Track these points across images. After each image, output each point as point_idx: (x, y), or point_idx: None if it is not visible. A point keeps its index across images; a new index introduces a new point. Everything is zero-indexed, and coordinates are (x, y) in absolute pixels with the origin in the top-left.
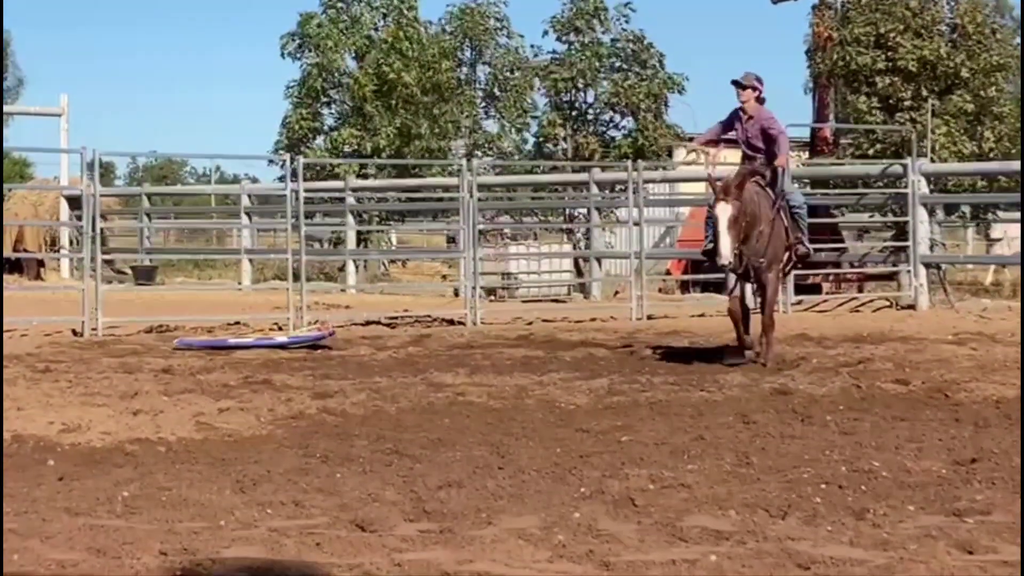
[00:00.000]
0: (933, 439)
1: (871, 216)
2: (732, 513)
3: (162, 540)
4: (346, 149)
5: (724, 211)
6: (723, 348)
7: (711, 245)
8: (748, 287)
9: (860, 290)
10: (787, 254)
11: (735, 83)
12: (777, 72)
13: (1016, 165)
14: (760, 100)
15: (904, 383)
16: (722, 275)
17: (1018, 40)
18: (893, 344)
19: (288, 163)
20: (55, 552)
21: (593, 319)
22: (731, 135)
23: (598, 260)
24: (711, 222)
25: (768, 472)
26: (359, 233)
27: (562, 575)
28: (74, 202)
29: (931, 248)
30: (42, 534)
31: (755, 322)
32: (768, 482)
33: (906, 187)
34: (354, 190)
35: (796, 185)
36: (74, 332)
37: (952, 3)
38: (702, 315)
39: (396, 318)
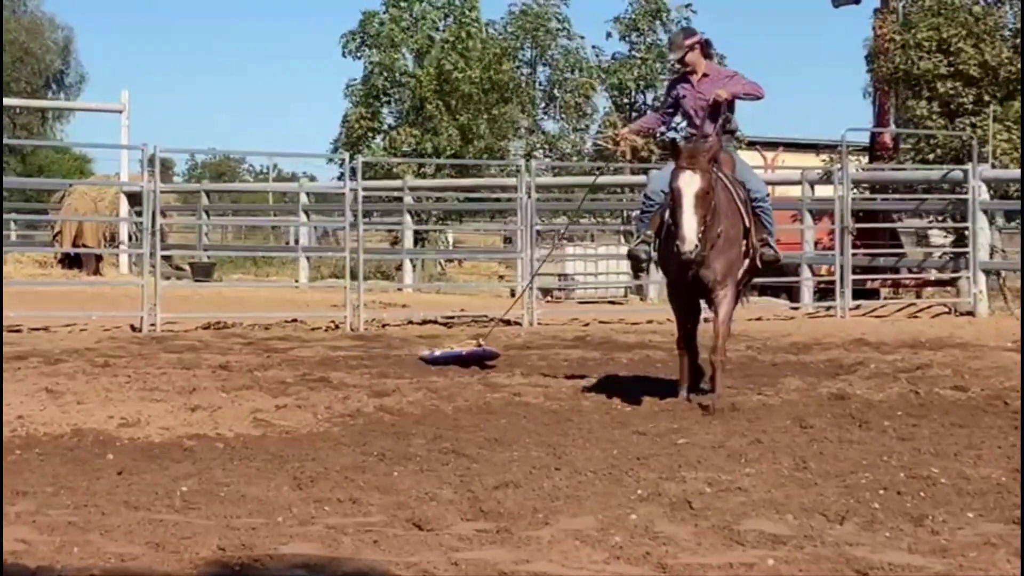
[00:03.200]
0: (992, 446)
1: (931, 222)
2: (790, 517)
3: (220, 535)
4: (405, 148)
5: (690, 183)
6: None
7: (647, 236)
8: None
9: (919, 296)
10: (747, 262)
11: (680, 62)
12: (836, 76)
13: None
14: (707, 54)
15: (963, 390)
16: (781, 278)
17: None
18: (952, 350)
19: (347, 162)
20: (114, 545)
21: (650, 321)
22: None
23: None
24: (652, 203)
25: (826, 477)
26: (416, 232)
27: None
28: (134, 198)
29: (991, 255)
30: (102, 527)
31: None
32: (826, 487)
33: (966, 193)
34: (412, 189)
35: (758, 172)
36: (133, 327)
37: (1015, 8)
38: (759, 319)
39: (453, 317)
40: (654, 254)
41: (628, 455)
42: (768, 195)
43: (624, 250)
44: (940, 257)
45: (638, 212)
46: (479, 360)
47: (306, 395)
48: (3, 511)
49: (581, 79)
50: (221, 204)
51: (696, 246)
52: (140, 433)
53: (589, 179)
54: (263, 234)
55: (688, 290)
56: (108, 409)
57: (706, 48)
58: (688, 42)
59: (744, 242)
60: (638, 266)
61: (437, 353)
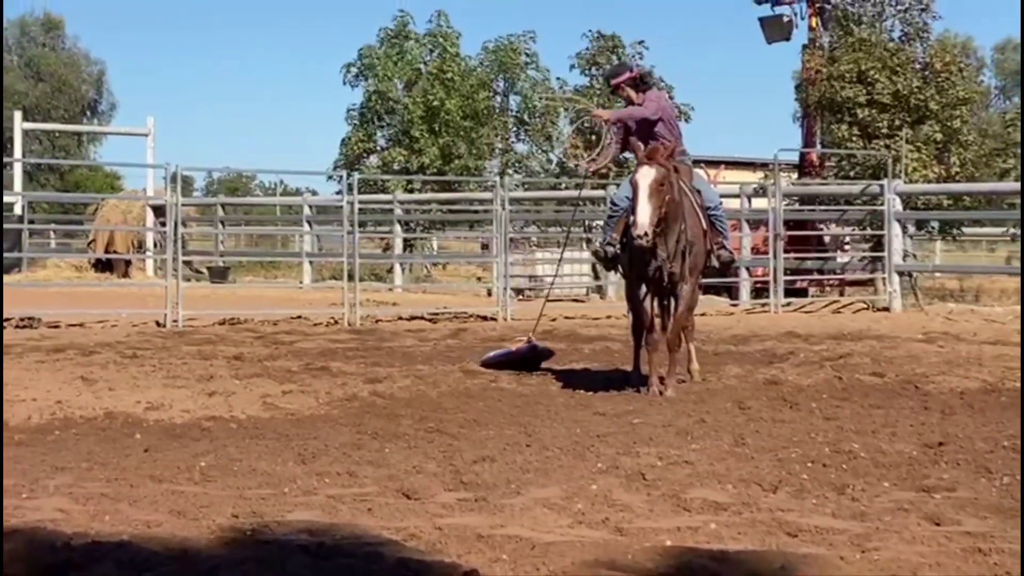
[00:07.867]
0: (905, 425)
1: (852, 230)
2: (730, 487)
3: (234, 504)
4: (395, 167)
5: (647, 175)
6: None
7: (612, 239)
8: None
9: (842, 294)
10: (703, 261)
11: (612, 86)
12: (770, 103)
13: (978, 187)
14: (639, 84)
15: (880, 375)
16: (724, 278)
17: (981, 78)
18: (870, 342)
19: (345, 178)
20: (141, 513)
21: (609, 316)
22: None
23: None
24: (617, 208)
25: (761, 452)
26: (405, 240)
27: (581, 539)
28: (158, 210)
29: (904, 258)
30: (130, 498)
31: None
32: (761, 460)
33: (883, 205)
34: (402, 202)
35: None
36: (157, 323)
37: (924, 44)
38: (703, 314)
39: (437, 314)
40: (619, 252)
41: (589, 433)
42: (721, 204)
43: (586, 255)
44: (860, 261)
45: (604, 218)
46: (534, 358)
47: (309, 382)
48: (2, 504)
49: (545, 106)
50: (235, 215)
51: (647, 232)
52: (164, 415)
53: (556, 193)
54: (271, 241)
55: (650, 286)
56: (136, 395)
57: (640, 81)
58: (615, 82)
59: (705, 243)
60: (606, 264)
61: (491, 354)
